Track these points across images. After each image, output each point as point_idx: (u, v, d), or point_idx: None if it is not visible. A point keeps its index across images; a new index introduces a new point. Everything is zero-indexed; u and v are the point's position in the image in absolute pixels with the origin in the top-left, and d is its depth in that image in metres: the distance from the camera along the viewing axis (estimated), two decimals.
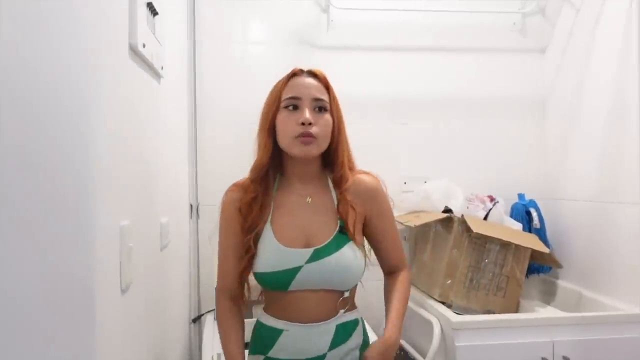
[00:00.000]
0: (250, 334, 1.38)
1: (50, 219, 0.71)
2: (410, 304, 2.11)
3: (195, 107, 2.23)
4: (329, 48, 2.35)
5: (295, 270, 1.23)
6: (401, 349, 2.13)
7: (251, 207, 1.28)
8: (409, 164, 2.43)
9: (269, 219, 1.28)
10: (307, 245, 1.25)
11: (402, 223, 2.21)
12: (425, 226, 2.24)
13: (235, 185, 1.35)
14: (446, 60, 2.44)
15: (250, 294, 1.39)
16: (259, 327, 1.34)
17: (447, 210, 2.17)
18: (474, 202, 2.17)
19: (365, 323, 1.44)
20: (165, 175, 1.60)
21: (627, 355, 1.82)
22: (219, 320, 1.36)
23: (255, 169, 1.30)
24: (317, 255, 1.24)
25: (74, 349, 0.80)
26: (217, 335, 1.87)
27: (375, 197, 1.34)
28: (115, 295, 1.00)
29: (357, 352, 1.33)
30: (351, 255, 1.26)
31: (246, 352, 1.37)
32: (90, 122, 0.87)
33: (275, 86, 1.31)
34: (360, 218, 1.32)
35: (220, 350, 1.71)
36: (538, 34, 2.48)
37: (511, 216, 2.32)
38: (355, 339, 1.33)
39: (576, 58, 2.28)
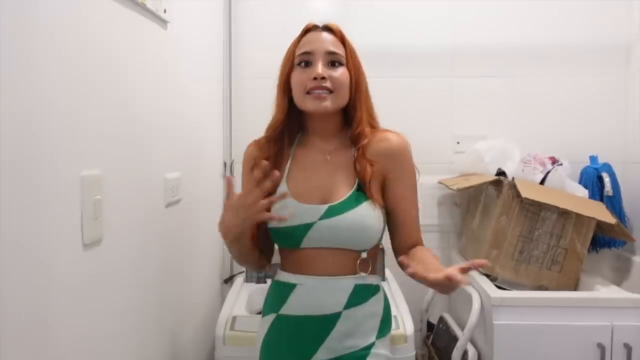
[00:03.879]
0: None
1: None
2: None
3: (230, 59, 2.13)
4: None
5: (308, 226, 1.20)
6: (443, 322, 1.98)
7: None
8: (464, 122, 2.20)
9: (285, 175, 1.28)
10: (322, 203, 1.22)
11: (447, 186, 2.04)
12: (475, 191, 2.04)
13: (255, 141, 1.35)
14: (509, 2, 2.15)
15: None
16: (273, 285, 1.32)
17: (501, 173, 1.96)
18: (531, 164, 1.93)
19: (388, 295, 1.35)
20: (178, 131, 1.56)
21: None
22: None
23: (270, 128, 1.31)
24: (331, 212, 1.20)
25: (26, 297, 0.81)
26: (239, 298, 1.83)
27: (396, 157, 1.28)
28: (76, 250, 0.96)
29: (376, 322, 1.25)
30: (367, 213, 1.21)
31: (259, 316, 1.34)
32: (42, 47, 0.85)
33: (291, 44, 1.30)
34: (378, 176, 1.26)
35: (236, 313, 1.68)
36: None
37: (580, 182, 2.04)
38: (375, 305, 1.26)
39: None
